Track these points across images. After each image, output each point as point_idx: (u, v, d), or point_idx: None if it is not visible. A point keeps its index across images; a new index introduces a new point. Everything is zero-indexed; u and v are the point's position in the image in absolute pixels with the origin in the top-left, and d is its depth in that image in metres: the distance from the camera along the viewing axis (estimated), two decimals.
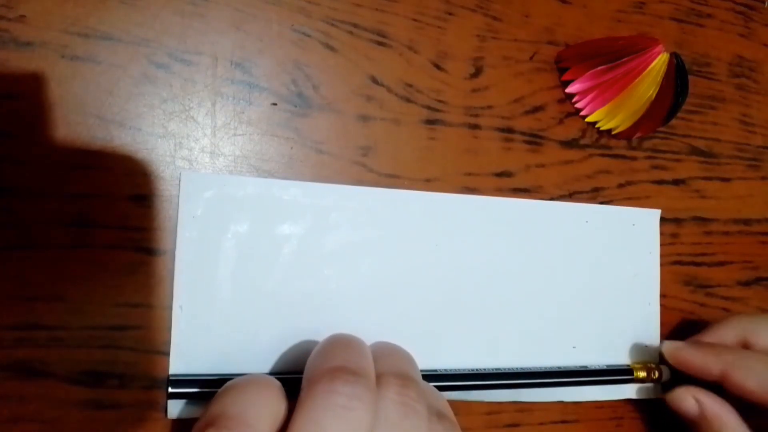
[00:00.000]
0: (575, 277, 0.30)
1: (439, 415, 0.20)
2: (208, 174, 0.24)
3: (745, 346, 0.27)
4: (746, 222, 0.34)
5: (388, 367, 0.20)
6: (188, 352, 0.23)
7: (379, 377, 0.19)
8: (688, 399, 0.27)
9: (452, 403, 0.27)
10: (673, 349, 0.28)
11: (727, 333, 0.28)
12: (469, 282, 0.28)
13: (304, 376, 0.20)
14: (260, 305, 0.24)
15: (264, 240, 0.25)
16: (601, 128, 0.31)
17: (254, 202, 0.25)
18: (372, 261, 0.26)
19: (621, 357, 0.30)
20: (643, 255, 0.31)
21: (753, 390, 0.24)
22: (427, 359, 0.26)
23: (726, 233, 0.34)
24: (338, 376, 0.18)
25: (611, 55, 0.29)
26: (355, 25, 0.27)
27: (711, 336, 0.28)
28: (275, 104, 0.26)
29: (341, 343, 0.21)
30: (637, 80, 0.29)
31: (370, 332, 0.26)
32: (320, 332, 0.25)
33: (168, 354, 0.23)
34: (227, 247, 0.24)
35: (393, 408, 0.18)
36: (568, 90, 0.30)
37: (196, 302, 0.23)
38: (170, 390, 0.22)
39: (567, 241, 0.30)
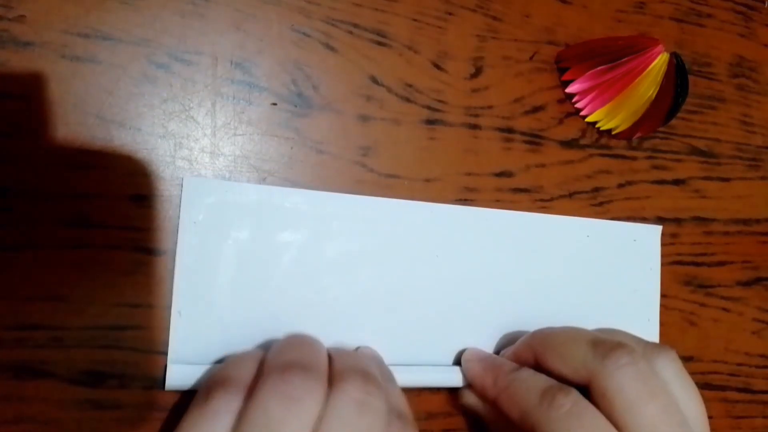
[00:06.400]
0: (575, 291, 0.29)
1: (399, 415, 0.20)
2: (210, 180, 0.24)
3: (537, 366, 0.25)
4: (746, 222, 0.34)
5: (349, 365, 0.20)
6: (186, 358, 0.23)
7: (339, 374, 0.20)
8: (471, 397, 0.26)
9: (454, 401, 0.27)
10: (465, 360, 0.26)
11: (524, 351, 0.26)
12: (469, 294, 0.27)
13: (260, 369, 0.20)
14: (259, 312, 0.24)
15: (264, 247, 0.24)
16: (601, 128, 0.31)
17: (255, 208, 0.24)
18: (372, 270, 0.26)
19: None
20: (644, 271, 0.31)
21: (515, 420, 0.23)
22: (426, 371, 0.26)
23: (726, 233, 0.34)
24: (289, 369, 0.19)
25: (611, 55, 0.29)
26: (355, 25, 0.27)
27: (511, 351, 0.26)
28: (275, 104, 0.26)
29: (297, 341, 0.22)
30: (637, 80, 0.29)
31: (368, 341, 0.26)
32: (319, 340, 0.25)
33: (168, 354, 0.23)
34: (227, 253, 0.24)
35: (349, 404, 0.19)
36: (568, 90, 0.30)
37: (195, 308, 0.23)
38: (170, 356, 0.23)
39: (567, 255, 0.29)
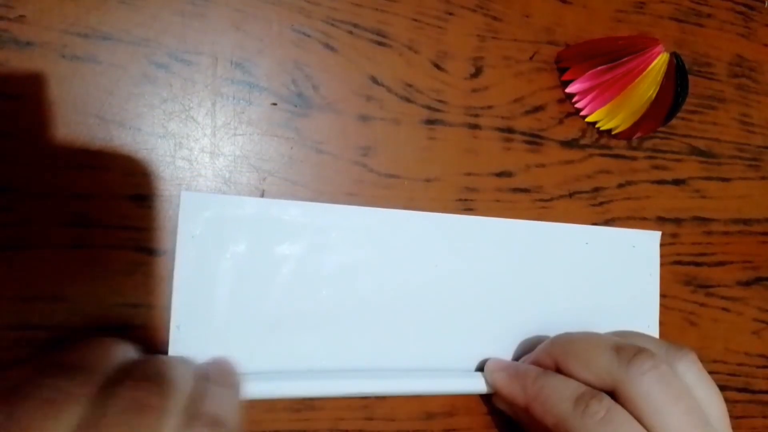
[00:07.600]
0: (574, 299, 0.29)
1: (213, 422, 0.19)
2: (207, 194, 0.24)
3: (558, 370, 0.25)
4: (746, 222, 0.34)
5: (139, 370, 0.19)
6: None
7: (119, 377, 0.18)
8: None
9: (454, 402, 0.27)
10: (489, 371, 0.26)
11: (544, 358, 0.26)
12: (468, 303, 0.27)
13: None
14: (257, 326, 0.24)
15: (262, 260, 0.24)
16: (601, 128, 0.31)
17: (253, 222, 0.24)
18: (370, 281, 0.26)
19: None
20: (643, 277, 0.31)
21: (550, 426, 0.23)
22: (425, 380, 0.26)
23: (726, 233, 0.34)
24: (48, 372, 0.18)
25: (611, 55, 0.29)
26: (355, 25, 0.27)
27: (531, 357, 0.27)
28: (275, 104, 0.26)
29: (81, 344, 0.21)
30: (637, 80, 0.30)
31: (367, 352, 0.26)
32: (317, 352, 0.25)
33: (167, 354, 0.23)
34: (226, 267, 0.24)
35: (122, 404, 0.17)
36: (568, 90, 0.30)
37: (193, 322, 0.23)
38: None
39: (567, 263, 0.29)
